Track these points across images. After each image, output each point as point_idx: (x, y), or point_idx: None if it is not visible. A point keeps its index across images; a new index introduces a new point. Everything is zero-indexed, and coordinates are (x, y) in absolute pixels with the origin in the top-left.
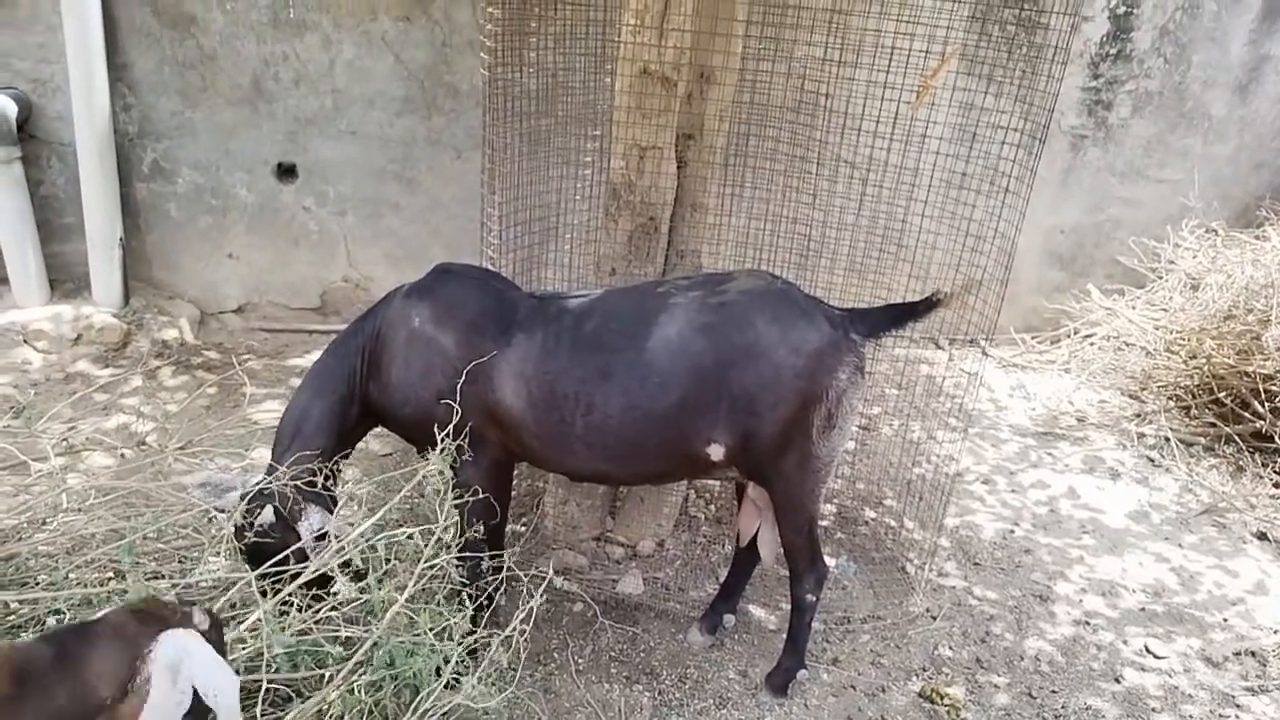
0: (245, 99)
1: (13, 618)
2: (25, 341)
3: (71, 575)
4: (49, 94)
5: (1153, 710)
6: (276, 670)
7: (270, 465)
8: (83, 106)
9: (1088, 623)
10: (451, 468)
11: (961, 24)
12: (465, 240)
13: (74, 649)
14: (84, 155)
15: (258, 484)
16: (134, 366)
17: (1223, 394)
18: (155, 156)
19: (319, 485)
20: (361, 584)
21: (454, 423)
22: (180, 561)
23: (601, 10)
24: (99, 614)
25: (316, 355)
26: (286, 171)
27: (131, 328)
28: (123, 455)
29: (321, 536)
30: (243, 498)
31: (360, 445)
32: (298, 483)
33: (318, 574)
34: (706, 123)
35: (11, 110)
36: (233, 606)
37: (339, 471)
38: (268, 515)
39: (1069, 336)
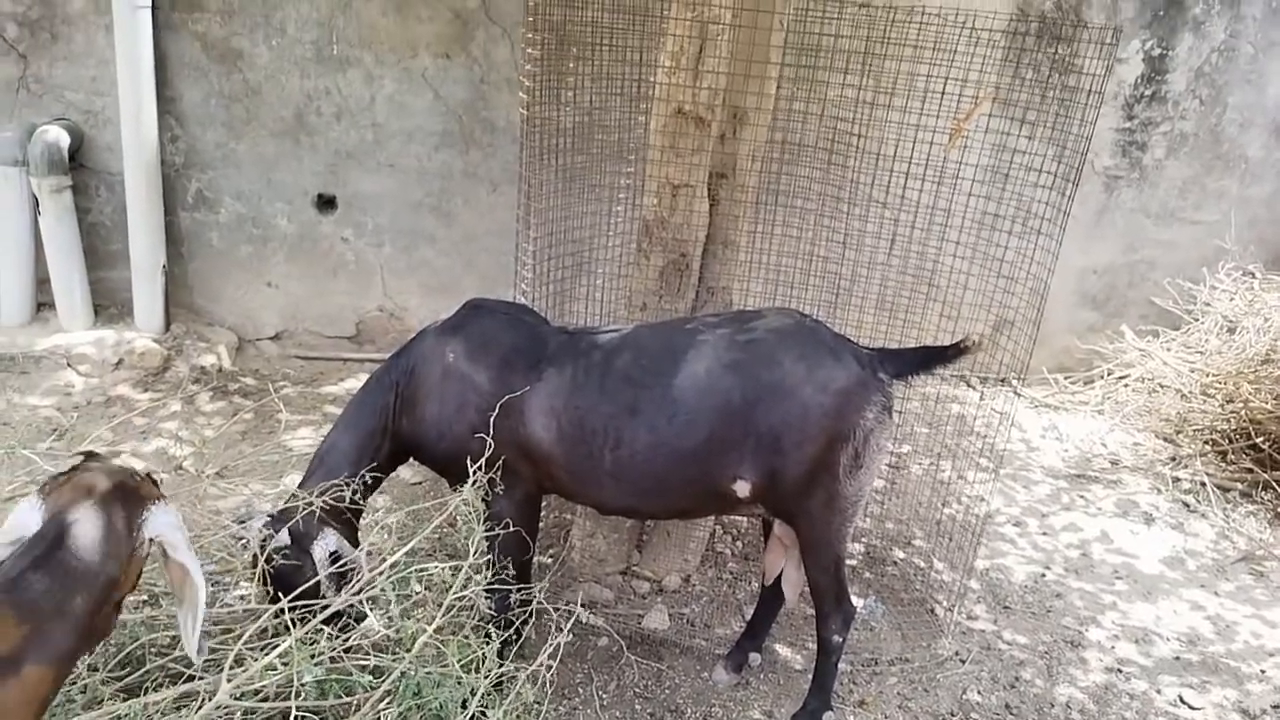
0: (288, 131)
1: None
2: (69, 365)
3: None
4: (100, 125)
5: None
6: (304, 698)
7: (293, 494)
8: (132, 137)
9: (1120, 670)
10: (484, 500)
11: (995, 66)
12: (499, 272)
13: None
14: (131, 184)
15: (276, 510)
16: (173, 391)
17: (1260, 439)
18: (199, 186)
19: (341, 509)
20: (389, 614)
21: (486, 456)
22: (213, 585)
23: (638, 51)
24: None
25: (351, 383)
26: (326, 203)
27: (171, 353)
28: (160, 479)
29: (336, 559)
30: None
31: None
32: (315, 506)
33: (345, 605)
34: (739, 162)
35: (64, 141)
36: (262, 634)
37: (367, 497)
38: (283, 538)
39: (1102, 378)
